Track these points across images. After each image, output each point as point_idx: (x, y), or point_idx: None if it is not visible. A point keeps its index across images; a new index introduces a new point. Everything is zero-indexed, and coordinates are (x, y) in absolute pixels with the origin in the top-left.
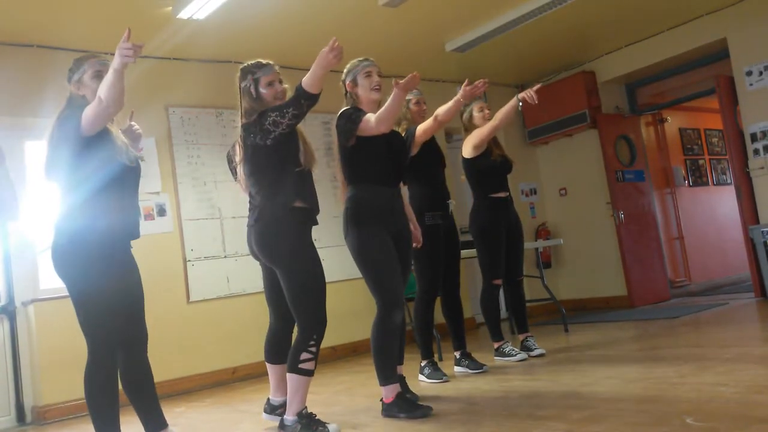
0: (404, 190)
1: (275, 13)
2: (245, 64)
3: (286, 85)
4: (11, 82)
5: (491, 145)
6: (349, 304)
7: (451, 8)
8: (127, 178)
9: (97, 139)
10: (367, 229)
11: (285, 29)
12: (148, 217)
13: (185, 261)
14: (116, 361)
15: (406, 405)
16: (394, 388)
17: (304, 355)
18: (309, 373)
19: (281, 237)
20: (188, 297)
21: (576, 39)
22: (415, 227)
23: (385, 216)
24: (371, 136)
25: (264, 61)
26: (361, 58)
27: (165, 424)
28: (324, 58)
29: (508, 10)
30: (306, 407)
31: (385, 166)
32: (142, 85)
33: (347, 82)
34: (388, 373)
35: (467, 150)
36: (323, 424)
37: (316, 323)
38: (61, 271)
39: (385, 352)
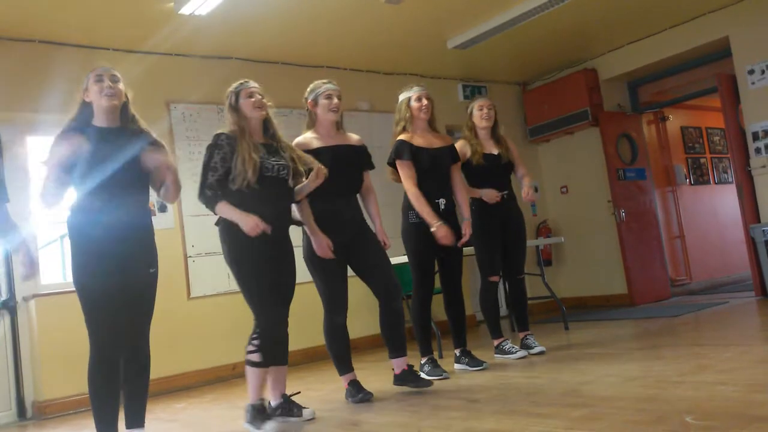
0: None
1: (277, 9)
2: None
3: (270, 103)
4: (12, 77)
5: (475, 147)
6: None
7: (452, 5)
8: (127, 175)
9: (79, 160)
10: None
11: (286, 25)
12: None
13: (186, 257)
14: (118, 358)
15: (353, 391)
16: (347, 377)
17: (249, 347)
18: (254, 365)
19: (225, 240)
20: (189, 293)
21: (578, 37)
22: (379, 231)
23: (334, 227)
24: (316, 155)
25: (247, 80)
26: (325, 80)
27: (142, 424)
28: (245, 221)
29: (510, 8)
30: (262, 399)
31: (333, 180)
32: (143, 81)
33: (309, 101)
34: (340, 367)
35: None
36: (264, 420)
37: (257, 318)
38: (71, 265)
39: (334, 350)
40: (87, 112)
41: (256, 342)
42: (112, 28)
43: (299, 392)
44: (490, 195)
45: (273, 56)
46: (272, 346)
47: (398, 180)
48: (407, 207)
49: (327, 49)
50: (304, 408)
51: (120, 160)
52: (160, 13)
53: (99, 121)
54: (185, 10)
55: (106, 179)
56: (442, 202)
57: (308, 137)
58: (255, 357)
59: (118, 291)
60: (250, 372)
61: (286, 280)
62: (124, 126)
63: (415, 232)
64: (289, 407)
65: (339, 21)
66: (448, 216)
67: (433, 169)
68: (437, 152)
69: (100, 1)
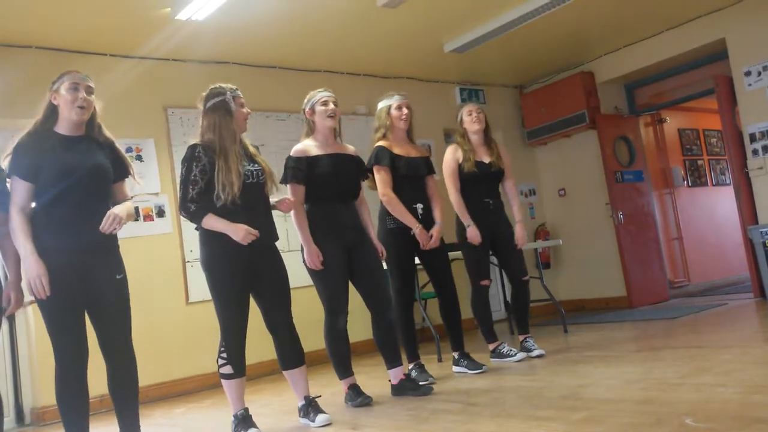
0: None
1: (274, 14)
2: (217, 85)
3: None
4: (9, 83)
5: (468, 153)
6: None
7: (449, 9)
8: (90, 186)
9: (43, 168)
10: (314, 242)
11: (283, 30)
12: (147, 218)
13: (184, 262)
14: (83, 372)
15: (352, 395)
16: (347, 381)
17: (219, 361)
18: (227, 377)
19: (203, 245)
20: (187, 298)
21: (575, 39)
22: (375, 239)
23: (334, 230)
24: (316, 161)
25: (236, 87)
26: (320, 89)
27: (137, 430)
28: (234, 231)
29: (507, 11)
30: (244, 409)
31: (333, 186)
32: (141, 86)
33: (306, 110)
34: (340, 370)
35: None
36: (247, 428)
37: (222, 330)
38: None
39: (335, 353)
40: (53, 115)
41: (224, 355)
42: (109, 33)
43: (320, 396)
44: (473, 238)
45: (270, 61)
46: (239, 357)
47: (374, 187)
48: (384, 213)
49: (324, 54)
50: (321, 413)
51: (83, 170)
52: (156, 18)
53: (63, 128)
54: (182, 16)
55: (69, 189)
56: (419, 206)
57: (307, 144)
58: (226, 369)
59: (83, 304)
60: (226, 384)
61: (273, 288)
62: (88, 134)
63: (393, 238)
64: (306, 410)
65: (336, 25)
66: (427, 221)
67: (409, 177)
68: (414, 161)
69: (96, 7)
